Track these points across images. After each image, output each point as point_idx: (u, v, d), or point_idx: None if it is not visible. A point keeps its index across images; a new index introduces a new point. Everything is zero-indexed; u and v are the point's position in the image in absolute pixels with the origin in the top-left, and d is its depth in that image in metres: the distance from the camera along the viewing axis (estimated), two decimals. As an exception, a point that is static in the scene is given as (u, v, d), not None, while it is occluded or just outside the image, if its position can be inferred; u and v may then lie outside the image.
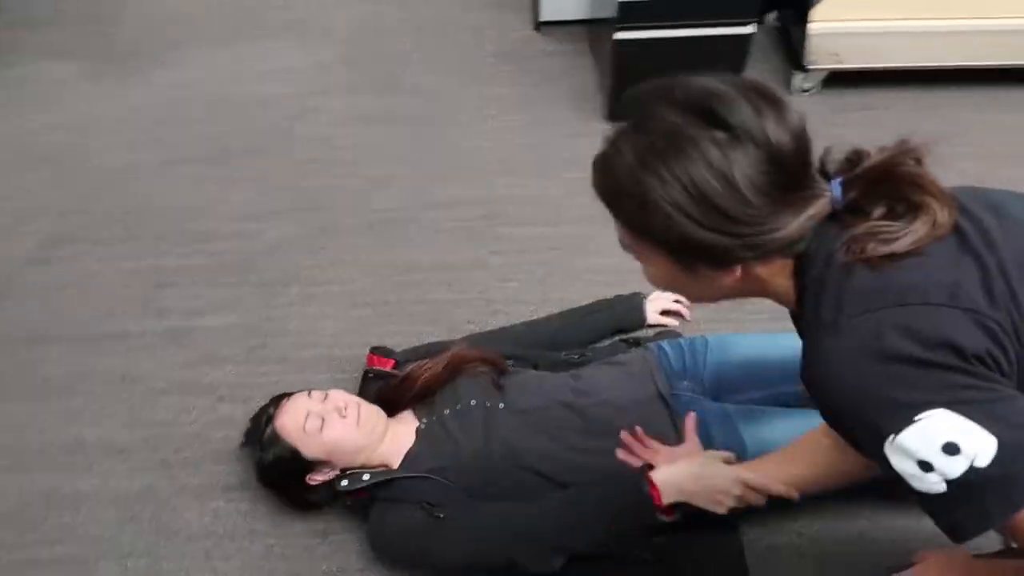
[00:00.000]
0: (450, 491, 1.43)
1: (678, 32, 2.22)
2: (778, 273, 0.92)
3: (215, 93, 2.70)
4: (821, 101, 2.47)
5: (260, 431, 1.50)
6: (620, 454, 1.42)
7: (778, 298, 0.96)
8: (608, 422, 1.48)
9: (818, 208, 0.86)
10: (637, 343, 1.73)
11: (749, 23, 2.24)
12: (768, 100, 0.84)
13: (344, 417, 1.46)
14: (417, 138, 2.49)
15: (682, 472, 1.33)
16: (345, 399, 1.50)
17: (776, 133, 0.82)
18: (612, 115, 2.43)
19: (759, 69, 2.56)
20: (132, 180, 2.39)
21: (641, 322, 1.85)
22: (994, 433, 0.78)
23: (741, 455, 1.41)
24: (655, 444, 1.42)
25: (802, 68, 2.45)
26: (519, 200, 2.24)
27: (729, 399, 1.57)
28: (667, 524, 1.37)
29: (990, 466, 0.78)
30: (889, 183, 0.86)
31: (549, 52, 2.79)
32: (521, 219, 2.19)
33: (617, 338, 1.80)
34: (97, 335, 1.97)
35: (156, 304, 2.03)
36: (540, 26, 2.86)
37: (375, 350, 1.73)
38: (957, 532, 0.84)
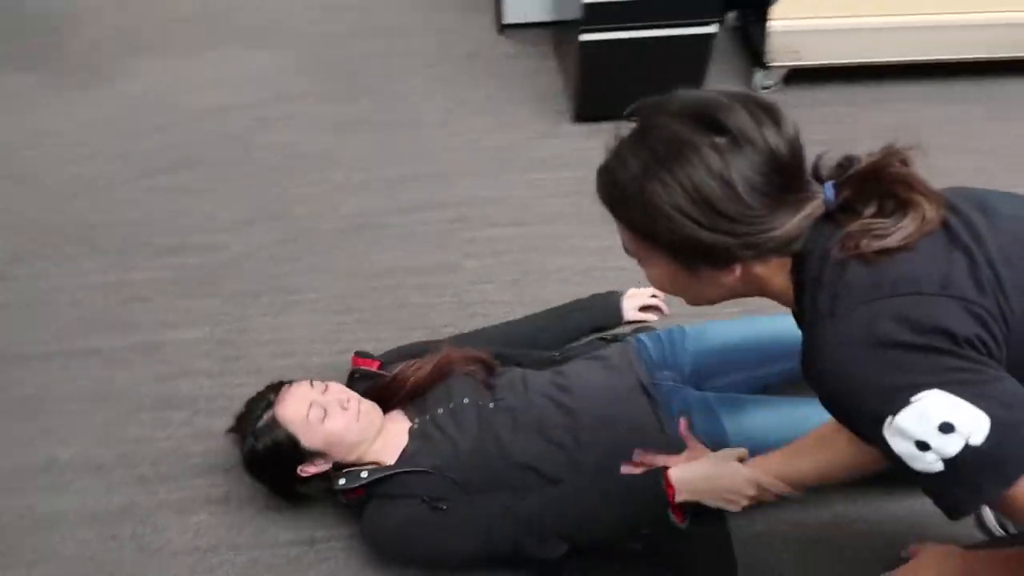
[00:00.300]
0: (450, 486, 1.43)
1: (642, 33, 2.25)
2: (776, 272, 0.97)
3: (175, 103, 2.66)
4: (782, 98, 2.52)
5: (256, 417, 1.48)
6: (625, 469, 1.41)
7: (777, 296, 1.01)
8: (594, 416, 1.50)
9: (813, 208, 0.91)
10: (616, 339, 1.74)
11: (712, 23, 2.27)
12: (765, 109, 0.90)
13: (346, 409, 1.46)
14: (383, 142, 2.48)
15: (696, 472, 1.35)
16: (346, 392, 1.50)
17: (774, 139, 0.88)
18: (578, 116, 2.45)
19: (721, 68, 2.60)
20: (94, 193, 2.35)
21: (619, 320, 1.87)
22: (986, 411, 0.82)
23: (723, 444, 1.43)
24: (662, 458, 1.41)
25: (763, 66, 2.50)
26: (488, 202, 2.24)
27: (710, 385, 1.60)
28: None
29: (984, 443, 0.82)
30: (878, 182, 0.91)
31: (513, 55, 2.80)
32: (492, 221, 2.19)
33: (595, 336, 1.82)
34: (65, 352, 1.92)
35: (125, 319, 1.99)
36: (504, 29, 2.88)
37: (359, 354, 1.72)
38: (955, 510, 0.88)
